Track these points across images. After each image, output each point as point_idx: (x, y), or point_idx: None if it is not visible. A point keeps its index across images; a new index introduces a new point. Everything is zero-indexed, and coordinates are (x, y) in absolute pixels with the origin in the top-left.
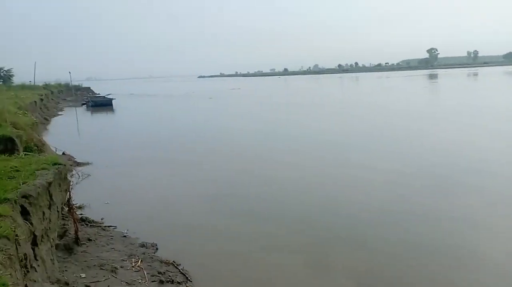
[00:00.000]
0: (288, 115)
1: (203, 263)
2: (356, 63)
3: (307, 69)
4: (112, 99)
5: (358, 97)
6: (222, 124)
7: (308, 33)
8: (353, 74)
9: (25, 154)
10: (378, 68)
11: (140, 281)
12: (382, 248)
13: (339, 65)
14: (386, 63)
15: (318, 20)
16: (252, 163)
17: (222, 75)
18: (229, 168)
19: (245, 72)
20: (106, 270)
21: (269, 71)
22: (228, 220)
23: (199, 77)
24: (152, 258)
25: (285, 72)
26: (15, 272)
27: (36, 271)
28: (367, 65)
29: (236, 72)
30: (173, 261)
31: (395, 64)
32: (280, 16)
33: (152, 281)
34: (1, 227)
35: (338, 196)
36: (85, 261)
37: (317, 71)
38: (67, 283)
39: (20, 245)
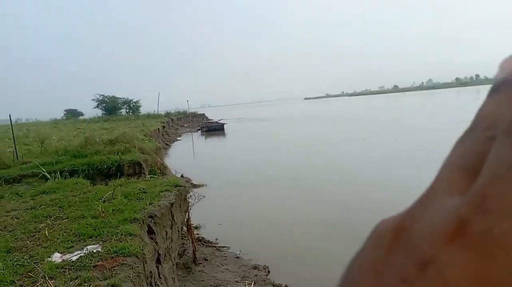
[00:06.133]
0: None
1: None
2: (477, 75)
3: (420, 85)
4: (224, 124)
5: None
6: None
7: (419, 46)
8: (474, 88)
9: (150, 177)
10: None
11: None
12: None
13: (457, 79)
14: None
15: (430, 31)
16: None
17: (328, 95)
18: (347, 192)
19: (352, 91)
20: None
21: (377, 89)
22: (344, 247)
23: (304, 99)
24: (264, 281)
25: (395, 89)
26: None
27: None
28: (490, 76)
29: (343, 92)
30: (286, 285)
31: None
32: (387, 29)
33: None
34: (132, 245)
35: None
36: (202, 280)
37: (431, 86)
38: None
39: (146, 263)
